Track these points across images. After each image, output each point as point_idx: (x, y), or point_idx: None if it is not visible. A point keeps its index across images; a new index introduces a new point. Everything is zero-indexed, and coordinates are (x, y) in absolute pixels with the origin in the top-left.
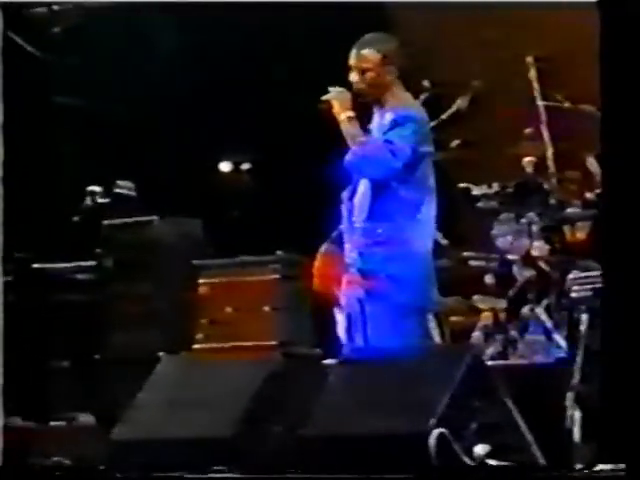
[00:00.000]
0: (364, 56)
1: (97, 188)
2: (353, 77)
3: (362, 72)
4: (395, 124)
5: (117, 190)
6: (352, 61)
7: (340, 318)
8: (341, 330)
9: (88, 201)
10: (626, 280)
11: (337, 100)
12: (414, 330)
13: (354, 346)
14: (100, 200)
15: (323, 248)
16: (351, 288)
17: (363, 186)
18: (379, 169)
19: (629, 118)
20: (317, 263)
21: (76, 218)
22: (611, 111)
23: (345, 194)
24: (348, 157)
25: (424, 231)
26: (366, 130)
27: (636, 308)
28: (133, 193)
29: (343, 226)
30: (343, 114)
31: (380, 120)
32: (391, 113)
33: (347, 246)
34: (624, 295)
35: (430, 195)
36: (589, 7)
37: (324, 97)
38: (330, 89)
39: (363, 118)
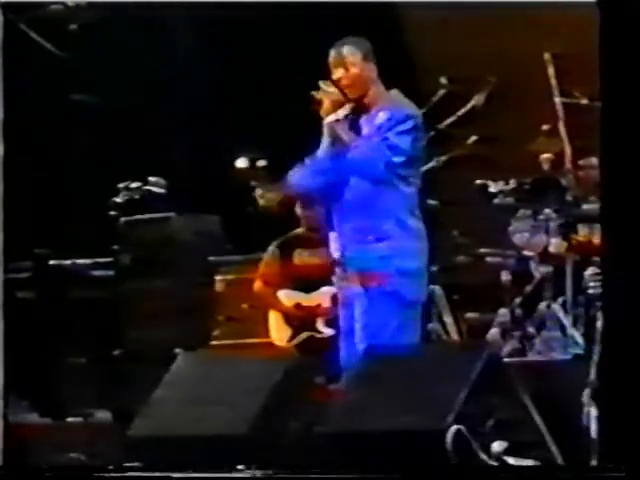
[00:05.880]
0: (346, 53)
1: (131, 184)
2: (338, 74)
3: (346, 69)
4: (393, 123)
5: (148, 187)
6: (335, 59)
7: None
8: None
9: (120, 197)
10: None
11: (328, 99)
12: (414, 324)
13: (361, 345)
14: (135, 196)
15: (269, 252)
16: (349, 287)
17: (359, 185)
18: (377, 168)
19: (629, 118)
20: (262, 266)
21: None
22: (611, 111)
23: (333, 195)
24: (344, 160)
25: (420, 225)
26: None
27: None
28: (163, 190)
29: (334, 230)
30: (331, 116)
31: (371, 121)
32: (385, 112)
33: (336, 246)
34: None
35: (418, 189)
36: (589, 7)
37: (315, 94)
38: (321, 84)
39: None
